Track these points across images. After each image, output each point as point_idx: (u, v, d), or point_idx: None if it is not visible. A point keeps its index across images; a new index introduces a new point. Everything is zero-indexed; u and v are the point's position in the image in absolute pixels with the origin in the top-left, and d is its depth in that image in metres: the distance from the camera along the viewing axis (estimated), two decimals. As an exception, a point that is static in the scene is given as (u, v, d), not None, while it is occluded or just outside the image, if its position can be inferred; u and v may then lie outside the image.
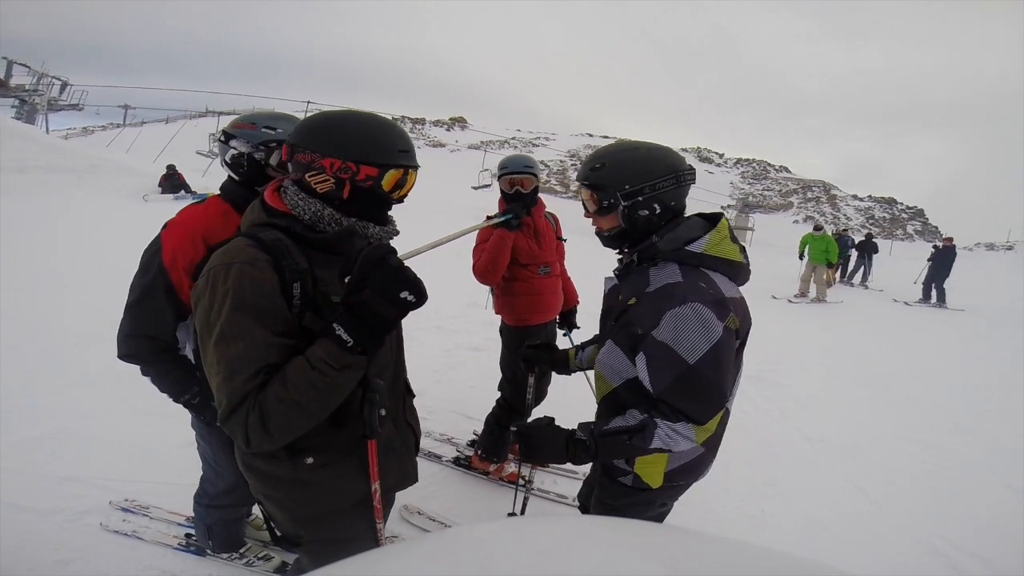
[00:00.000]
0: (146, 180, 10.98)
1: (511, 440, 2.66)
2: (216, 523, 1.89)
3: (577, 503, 1.82)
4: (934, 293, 10.54)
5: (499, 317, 2.64)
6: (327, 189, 1.02)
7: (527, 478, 1.98)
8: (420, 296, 0.94)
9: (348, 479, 1.11)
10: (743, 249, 1.30)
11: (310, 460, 1.05)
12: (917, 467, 3.25)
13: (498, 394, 2.68)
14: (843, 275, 12.57)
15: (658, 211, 1.23)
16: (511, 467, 2.71)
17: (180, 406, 1.58)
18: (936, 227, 47.33)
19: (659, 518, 1.53)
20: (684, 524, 2.33)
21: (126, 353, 1.51)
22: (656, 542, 0.55)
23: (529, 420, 1.35)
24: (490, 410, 2.68)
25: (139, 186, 10.48)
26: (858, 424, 3.85)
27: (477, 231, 2.35)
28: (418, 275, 0.95)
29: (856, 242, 13.13)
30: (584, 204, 1.32)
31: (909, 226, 47.87)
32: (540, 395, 2.62)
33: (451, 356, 4.18)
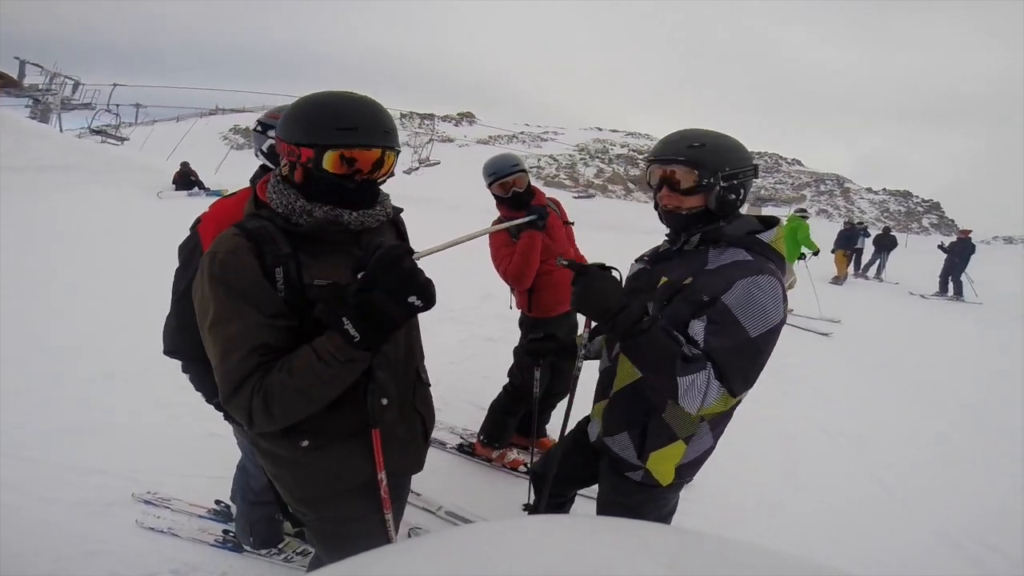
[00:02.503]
0: (160, 177, 11.12)
1: (515, 425, 2.68)
2: (259, 520, 1.88)
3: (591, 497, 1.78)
4: (951, 286, 10.35)
5: (519, 311, 2.63)
6: (287, 173, 1.03)
7: (529, 465, 1.92)
8: (428, 301, 0.96)
9: (346, 462, 1.12)
10: None
11: (305, 443, 1.07)
12: (935, 459, 3.22)
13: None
14: (857, 268, 12.41)
15: (740, 197, 1.27)
16: (512, 454, 2.72)
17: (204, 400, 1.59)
18: (952, 220, 46.63)
19: (670, 513, 1.52)
20: (701, 514, 2.34)
21: (172, 349, 1.53)
22: (656, 542, 0.54)
23: (551, 422, 1.30)
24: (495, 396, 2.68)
25: (153, 183, 10.62)
26: (876, 416, 3.81)
27: (488, 235, 2.29)
28: (430, 278, 0.96)
29: (870, 234, 12.94)
30: (664, 181, 1.27)
31: (925, 219, 47.22)
32: (564, 386, 2.58)
33: (466, 347, 4.20)
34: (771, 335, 1.15)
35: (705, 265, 1.24)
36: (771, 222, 1.31)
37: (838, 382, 4.54)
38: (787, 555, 0.48)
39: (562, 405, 2.62)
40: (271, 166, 1.55)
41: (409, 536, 2.10)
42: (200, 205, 1.62)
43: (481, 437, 2.71)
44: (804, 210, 9.01)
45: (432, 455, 2.75)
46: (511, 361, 2.66)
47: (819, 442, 3.33)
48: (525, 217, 2.22)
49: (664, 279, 1.30)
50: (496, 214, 2.53)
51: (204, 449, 2.46)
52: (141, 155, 13.00)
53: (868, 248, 12.71)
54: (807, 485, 2.78)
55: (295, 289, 1.00)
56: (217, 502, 2.13)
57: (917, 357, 5.52)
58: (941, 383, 4.69)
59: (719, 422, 1.35)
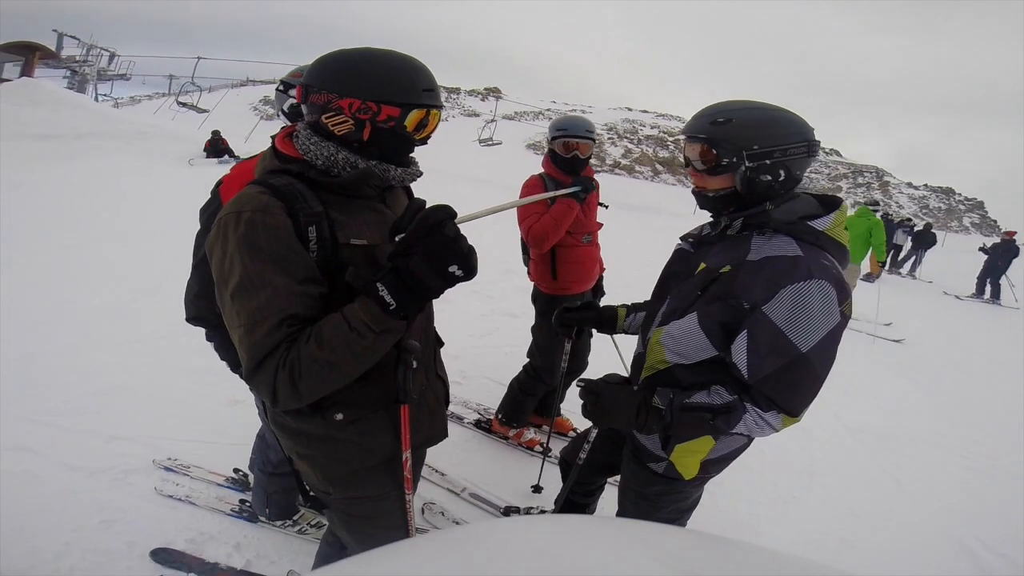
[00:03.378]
0: (191, 146, 11.29)
1: (534, 405, 2.66)
2: (276, 491, 1.88)
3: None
4: (988, 288, 9.91)
5: (532, 284, 2.58)
6: (346, 131, 0.97)
7: (545, 445, 1.90)
8: (469, 271, 0.90)
9: (378, 435, 1.09)
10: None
11: (339, 416, 1.03)
12: (956, 463, 3.14)
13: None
14: (892, 262, 11.93)
15: (782, 178, 1.11)
16: (529, 433, 2.71)
17: (228, 367, 1.59)
18: (995, 221, 44.67)
19: (691, 507, 1.48)
20: (713, 506, 2.31)
21: (194, 315, 1.51)
22: (656, 542, 0.54)
23: (607, 375, 1.26)
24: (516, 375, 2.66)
25: (185, 151, 10.79)
26: (899, 416, 3.73)
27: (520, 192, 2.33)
28: (472, 246, 0.91)
29: (913, 232, 12.40)
30: (689, 159, 1.20)
31: (966, 218, 45.34)
32: (580, 363, 2.54)
33: (487, 321, 4.19)
34: (827, 344, 1.04)
35: (747, 254, 1.12)
36: (832, 203, 1.17)
37: (864, 380, 4.42)
38: (788, 555, 0.47)
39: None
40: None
41: (423, 512, 2.12)
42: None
43: (499, 415, 2.70)
44: (876, 203, 7.66)
45: (453, 429, 2.79)
46: (531, 339, 2.63)
47: (840, 439, 3.26)
48: (571, 185, 2.20)
49: (703, 265, 1.21)
50: (529, 173, 2.46)
51: (226, 416, 2.50)
52: (173, 124, 13.26)
53: (907, 245, 12.25)
54: (823, 481, 2.75)
55: (328, 250, 0.94)
56: (235, 471, 2.15)
57: (948, 360, 5.35)
58: (971, 388, 4.55)
59: None
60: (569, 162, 2.31)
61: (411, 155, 1.08)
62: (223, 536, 1.88)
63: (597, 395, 1.18)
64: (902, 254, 12.31)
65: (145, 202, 6.82)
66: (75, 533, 1.80)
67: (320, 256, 0.94)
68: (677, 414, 1.10)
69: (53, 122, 9.88)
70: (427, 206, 0.90)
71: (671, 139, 48.66)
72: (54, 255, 4.57)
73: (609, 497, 2.26)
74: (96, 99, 15.08)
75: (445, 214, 0.89)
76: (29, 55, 15.21)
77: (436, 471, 2.37)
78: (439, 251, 0.87)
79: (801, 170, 1.14)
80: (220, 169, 9.29)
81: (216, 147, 11.34)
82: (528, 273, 2.57)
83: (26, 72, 14.80)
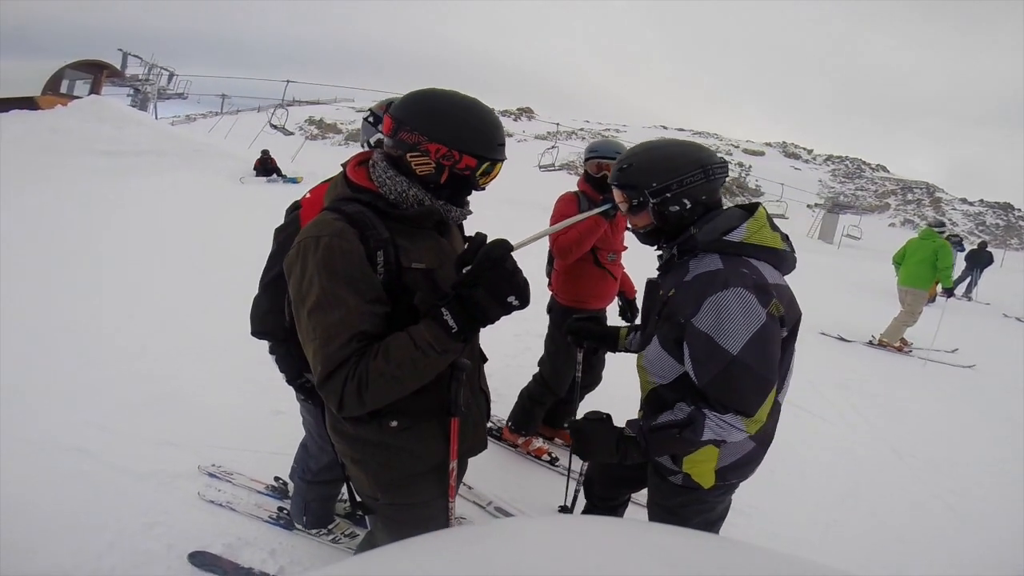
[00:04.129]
0: (242, 164, 11.72)
1: (543, 414, 2.72)
2: (315, 499, 1.93)
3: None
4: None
5: (550, 295, 2.64)
6: (426, 172, 1.06)
7: (579, 471, 1.89)
8: (525, 301, 0.99)
9: (428, 443, 1.16)
10: (786, 237, 1.30)
11: (394, 423, 1.11)
12: (1015, 491, 2.94)
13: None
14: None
15: (689, 206, 1.24)
16: (538, 442, 2.77)
17: (286, 384, 1.65)
18: None
19: (719, 518, 1.49)
20: (751, 527, 2.29)
21: (261, 330, 1.58)
22: (656, 542, 0.55)
23: (582, 414, 1.34)
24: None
25: (236, 169, 11.24)
26: (954, 441, 3.52)
27: (556, 204, 2.43)
28: (527, 278, 0.99)
29: (966, 249, 11.76)
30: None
31: None
32: (594, 378, 2.64)
33: (520, 341, 4.21)
34: (758, 344, 1.12)
35: (684, 276, 1.23)
36: (753, 209, 1.28)
37: (916, 403, 4.21)
38: (789, 556, 0.47)
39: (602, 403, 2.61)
40: None
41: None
42: (278, 191, 1.70)
43: (509, 423, 2.77)
44: (943, 224, 6.81)
45: None
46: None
47: (887, 462, 3.13)
48: (601, 203, 2.25)
49: (661, 292, 1.33)
50: (562, 191, 2.56)
51: (269, 426, 2.57)
52: (225, 143, 13.93)
53: (959, 264, 11.58)
54: (868, 505, 2.64)
55: (393, 273, 1.04)
56: (276, 479, 2.20)
57: (1008, 384, 5.00)
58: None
59: None
60: (600, 182, 2.41)
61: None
62: (259, 542, 1.93)
63: (579, 433, 1.28)
64: (955, 275, 11.63)
65: (201, 217, 7.12)
66: (119, 534, 1.88)
67: (386, 278, 1.03)
68: (648, 437, 1.20)
69: (117, 139, 10.38)
70: (487, 241, 0.99)
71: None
72: (116, 267, 4.81)
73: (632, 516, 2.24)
74: (156, 117, 15.88)
75: (505, 249, 0.97)
76: (98, 73, 15.99)
77: (464, 484, 2.39)
78: (500, 283, 0.96)
79: (709, 194, 1.25)
80: (269, 187, 9.76)
81: (265, 166, 11.72)
82: (549, 284, 2.64)
83: (95, 90, 15.51)
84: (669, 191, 1.22)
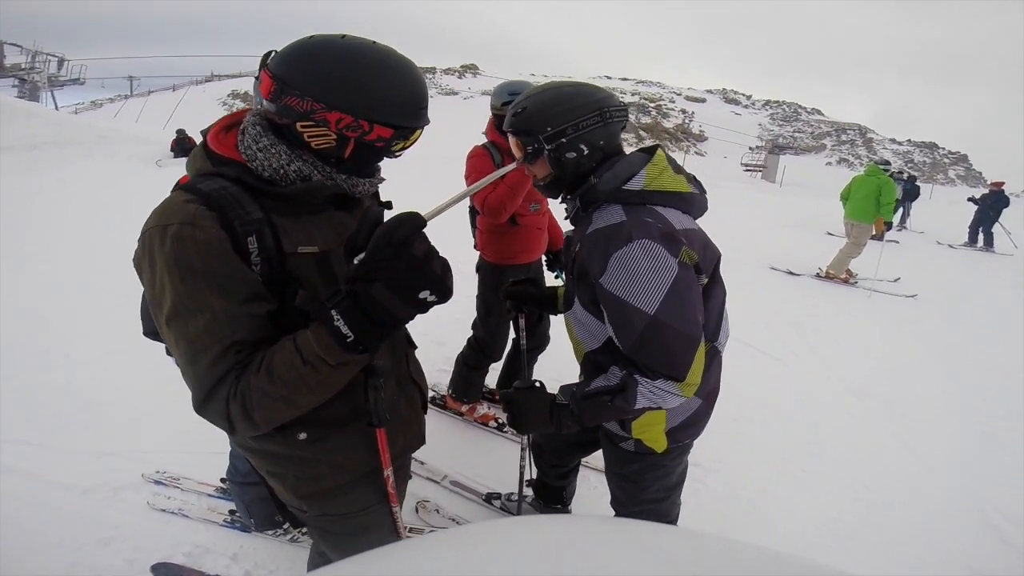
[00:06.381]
0: (157, 147, 11.00)
1: (482, 379, 2.63)
2: (253, 500, 1.82)
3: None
4: (981, 237, 9.96)
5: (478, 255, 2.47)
6: (324, 146, 0.84)
7: (500, 421, 1.74)
8: (444, 294, 0.78)
9: (348, 453, 1.00)
10: (693, 179, 1.21)
11: (303, 436, 0.94)
12: (972, 427, 3.02)
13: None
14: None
15: (586, 152, 1.14)
16: (483, 408, 2.69)
17: None
18: (980, 173, 45.24)
19: (679, 482, 1.45)
20: (720, 484, 2.21)
21: (150, 331, 1.42)
22: (656, 542, 0.54)
23: (518, 382, 1.24)
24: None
25: (151, 153, 10.50)
26: (905, 378, 3.64)
27: (467, 159, 2.23)
28: (447, 260, 0.79)
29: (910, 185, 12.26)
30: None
31: (951, 171, 45.88)
32: (541, 339, 2.50)
33: (472, 303, 4.03)
34: (675, 299, 1.04)
35: (588, 230, 1.15)
36: (653, 152, 1.19)
37: (866, 338, 4.37)
38: (789, 556, 0.46)
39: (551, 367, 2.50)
40: None
41: (416, 510, 2.08)
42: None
43: (450, 391, 2.68)
44: (889, 163, 7.08)
45: (428, 414, 2.69)
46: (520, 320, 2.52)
47: (844, 404, 3.20)
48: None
49: (572, 248, 1.25)
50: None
51: (204, 426, 2.35)
52: (136, 126, 12.82)
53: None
54: (831, 451, 2.68)
55: (274, 262, 0.83)
56: (222, 480, 2.10)
57: (949, 314, 5.27)
58: (979, 343, 4.44)
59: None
60: None
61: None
62: (219, 547, 1.86)
63: (511, 404, 1.21)
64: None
65: (113, 208, 6.56)
66: (78, 553, 1.80)
67: (265, 269, 0.82)
68: (580, 404, 1.13)
69: (6, 133, 9.43)
70: (388, 218, 0.77)
71: (652, 105, 48.10)
72: (23, 271, 4.42)
73: (586, 479, 2.22)
74: (56, 107, 14.56)
75: (411, 227, 0.74)
76: (-33, 68, 14.67)
77: (416, 460, 2.33)
78: (406, 275, 0.74)
79: (607, 139, 1.16)
80: (189, 168, 9.09)
81: (183, 146, 11.08)
82: (474, 244, 2.47)
83: (-33, 86, 14.30)
84: (564, 136, 1.12)
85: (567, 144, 1.12)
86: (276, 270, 0.83)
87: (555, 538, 0.54)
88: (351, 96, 0.79)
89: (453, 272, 0.80)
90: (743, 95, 60.10)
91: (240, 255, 0.79)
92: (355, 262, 0.75)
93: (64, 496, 2.03)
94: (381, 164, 0.98)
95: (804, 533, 2.12)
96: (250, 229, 0.80)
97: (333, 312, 0.75)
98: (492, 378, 2.75)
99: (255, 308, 0.79)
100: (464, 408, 2.67)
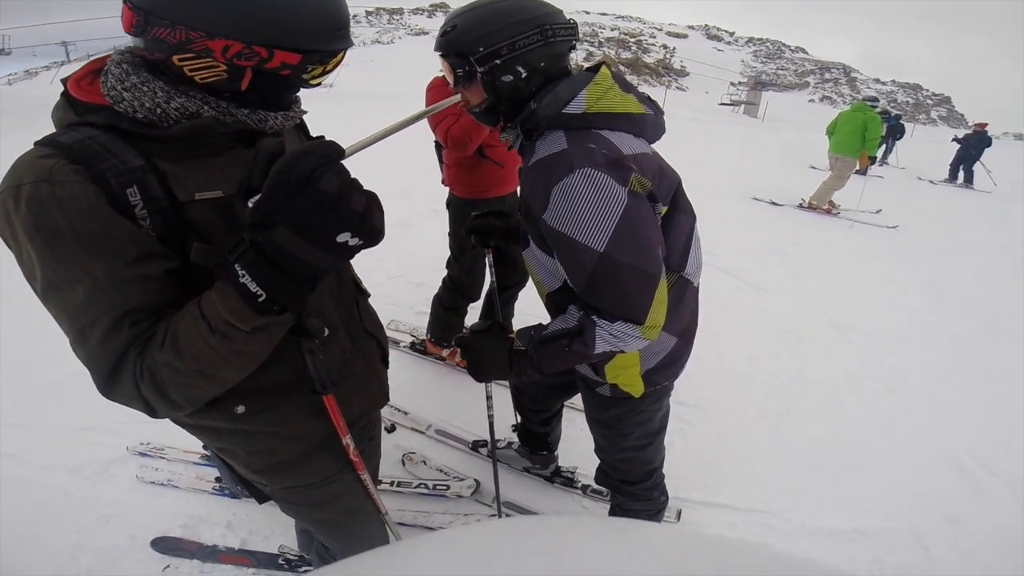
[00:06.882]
0: None
1: (461, 320, 2.55)
2: (226, 470, 1.81)
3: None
4: (961, 174, 10.15)
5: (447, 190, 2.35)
6: (213, 79, 0.69)
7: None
8: (370, 236, 0.64)
9: (295, 422, 0.90)
10: (647, 98, 1.08)
11: (240, 409, 0.84)
12: (951, 367, 3.04)
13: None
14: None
15: (524, 75, 1.01)
16: None
17: None
18: (962, 114, 45.22)
19: (661, 427, 1.38)
20: (703, 421, 2.21)
21: None
22: (656, 542, 0.54)
23: (475, 323, 1.16)
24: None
25: None
26: (887, 311, 3.70)
27: (426, 93, 2.09)
28: (373, 193, 0.65)
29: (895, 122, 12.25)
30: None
31: (934, 112, 45.77)
32: (518, 274, 2.38)
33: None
34: (627, 233, 0.93)
35: (530, 160, 1.04)
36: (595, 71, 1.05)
37: (848, 268, 4.41)
38: (790, 556, 0.46)
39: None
40: None
41: (403, 463, 2.08)
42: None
43: (429, 336, 2.61)
44: (877, 99, 7.06)
45: (403, 359, 2.63)
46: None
47: (829, 339, 3.25)
48: None
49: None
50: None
51: None
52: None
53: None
54: (816, 389, 2.72)
55: (167, 213, 0.69)
56: (204, 447, 2.05)
57: (927, 244, 5.36)
58: (952, 276, 4.52)
59: (669, 319, 1.08)
60: None
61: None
62: (213, 517, 1.86)
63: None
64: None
65: None
66: (79, 534, 1.79)
67: (157, 223, 0.69)
68: (538, 350, 1.04)
69: None
70: (292, 149, 0.64)
71: (632, 40, 46.31)
72: None
73: (571, 421, 2.21)
74: None
75: (319, 158, 0.62)
76: None
77: (399, 410, 2.32)
78: (314, 217, 0.61)
79: (550, 61, 1.03)
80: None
81: None
82: (442, 179, 2.34)
83: None
84: (499, 56, 0.99)
85: (502, 66, 0.99)
86: (172, 222, 0.70)
87: (555, 539, 0.54)
88: (237, 19, 0.65)
89: (384, 207, 0.67)
90: (726, 31, 58.24)
91: (120, 210, 0.66)
92: (250, 204, 0.63)
93: (54, 476, 2.00)
94: (299, 95, 0.84)
95: (786, 473, 2.15)
96: (128, 180, 0.67)
97: (236, 267, 0.62)
98: (473, 318, 2.67)
99: (149, 268, 0.67)
100: (445, 352, 2.60)
